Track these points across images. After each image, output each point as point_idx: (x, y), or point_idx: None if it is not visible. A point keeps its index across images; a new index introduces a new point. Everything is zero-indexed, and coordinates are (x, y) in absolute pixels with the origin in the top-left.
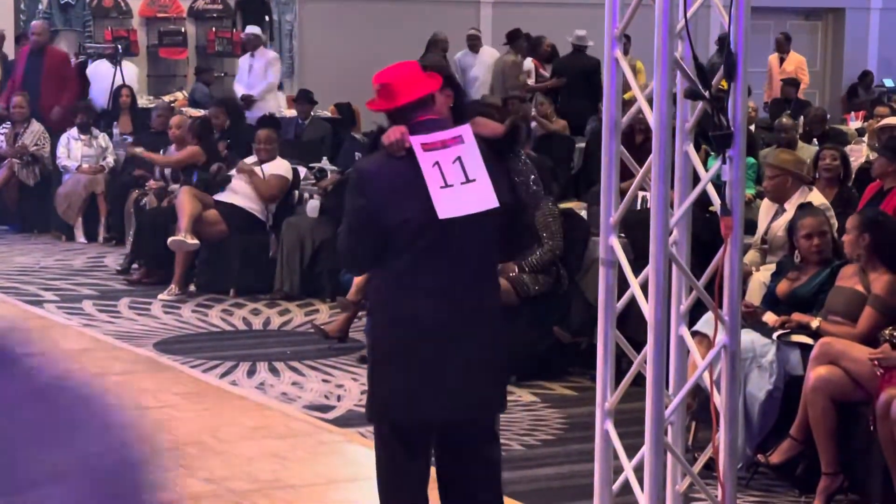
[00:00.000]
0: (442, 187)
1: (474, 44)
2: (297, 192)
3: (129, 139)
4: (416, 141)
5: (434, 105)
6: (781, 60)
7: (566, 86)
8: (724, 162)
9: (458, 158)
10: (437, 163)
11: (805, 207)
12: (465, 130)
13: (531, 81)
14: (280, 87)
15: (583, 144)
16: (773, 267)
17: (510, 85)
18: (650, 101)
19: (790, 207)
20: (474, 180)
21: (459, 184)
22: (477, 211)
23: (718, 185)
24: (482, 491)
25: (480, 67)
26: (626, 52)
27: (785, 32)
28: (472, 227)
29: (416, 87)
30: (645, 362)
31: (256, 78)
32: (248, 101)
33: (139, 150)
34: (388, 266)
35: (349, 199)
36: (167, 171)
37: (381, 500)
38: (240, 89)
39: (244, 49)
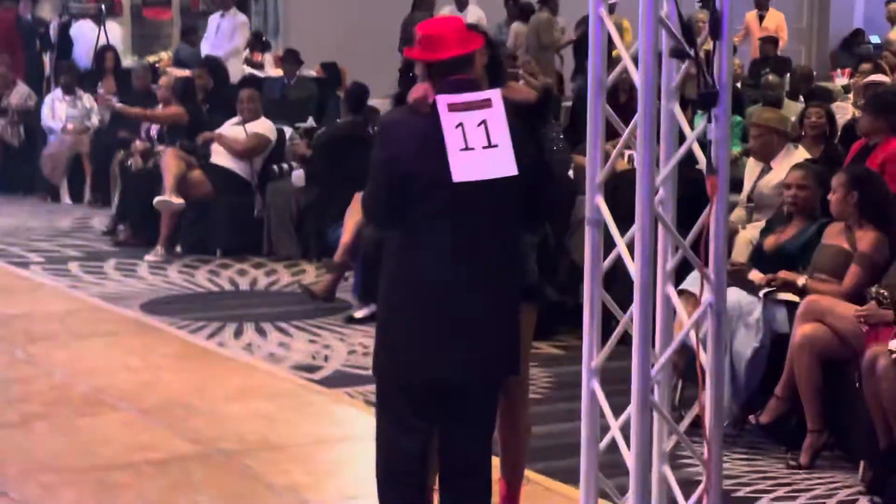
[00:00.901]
0: (462, 150)
1: (461, 1)
2: (275, 167)
3: (114, 100)
4: (442, 100)
5: (473, 65)
6: (761, 18)
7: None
8: (709, 121)
9: (484, 122)
10: (460, 124)
11: (800, 164)
12: (495, 94)
13: (566, 39)
14: (267, 46)
15: (569, 103)
16: (759, 225)
17: (545, 43)
18: (635, 61)
19: (776, 166)
20: (496, 146)
21: (481, 147)
22: (493, 177)
23: (704, 143)
24: (475, 451)
25: None
26: (611, 11)
27: None
28: (488, 192)
29: (460, 43)
30: (631, 321)
31: (223, 39)
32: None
33: (119, 105)
34: (401, 223)
35: (374, 151)
36: (153, 132)
37: (378, 458)
38: (205, 48)
39: (216, 7)
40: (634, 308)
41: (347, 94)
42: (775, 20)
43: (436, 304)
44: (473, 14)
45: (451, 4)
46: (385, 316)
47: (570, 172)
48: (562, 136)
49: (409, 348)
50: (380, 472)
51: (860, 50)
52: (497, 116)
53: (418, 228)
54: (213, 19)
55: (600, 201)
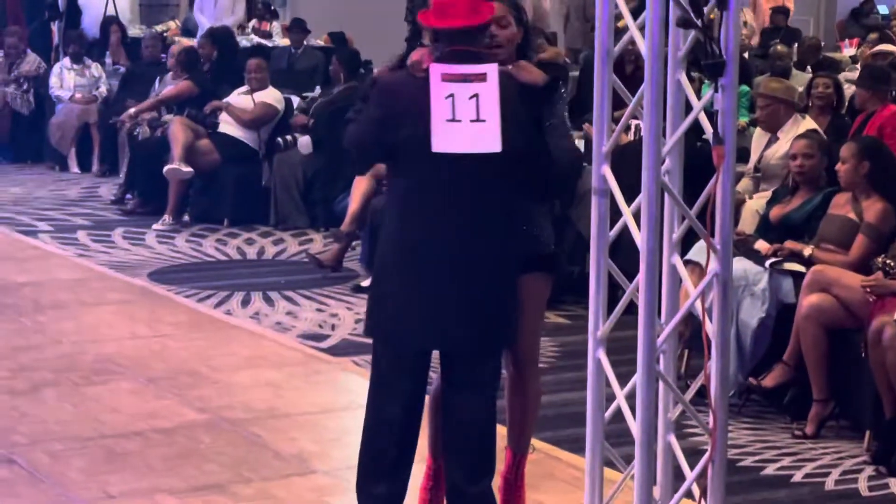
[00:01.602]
0: (448, 120)
1: None
2: (280, 140)
3: (122, 69)
4: (436, 69)
5: (480, 36)
6: None
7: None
8: (716, 91)
9: (476, 95)
10: (451, 95)
11: (804, 133)
12: (492, 69)
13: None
14: (275, 15)
15: (577, 73)
16: (766, 195)
17: (591, 14)
18: (642, 30)
19: (783, 136)
20: (484, 121)
21: (469, 121)
22: (473, 151)
23: (711, 113)
24: (472, 416)
25: None
26: None
27: None
28: (473, 166)
29: (469, 14)
30: (637, 291)
31: (223, 11)
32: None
33: (132, 109)
34: (393, 187)
35: (367, 105)
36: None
37: (366, 414)
38: (203, 20)
39: None
40: (640, 278)
41: (340, 61)
42: None
43: (424, 270)
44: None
45: None
46: (377, 278)
47: (576, 148)
48: (566, 115)
49: (398, 312)
50: (363, 436)
51: (868, 20)
52: (490, 91)
53: (408, 193)
54: None
55: (607, 171)
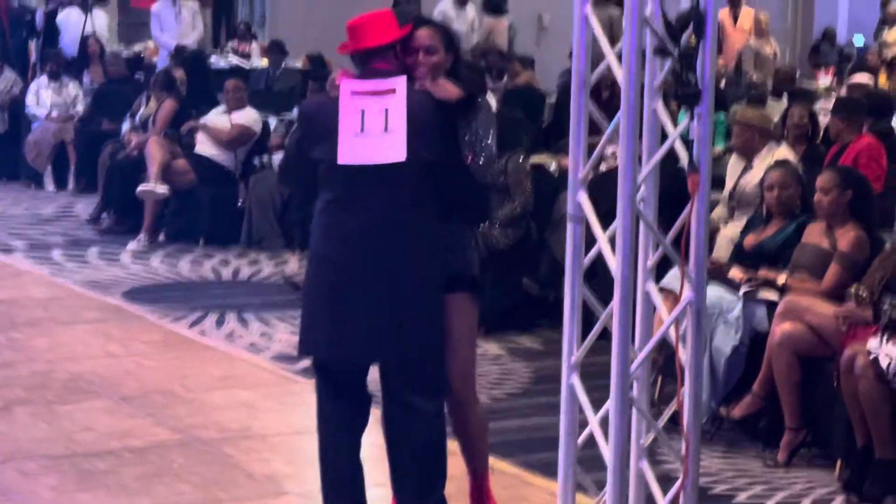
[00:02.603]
0: (356, 134)
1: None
2: (257, 160)
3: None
4: (346, 86)
5: (392, 55)
6: (735, 17)
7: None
8: (692, 119)
9: (386, 109)
10: (361, 110)
11: (777, 163)
12: (400, 83)
13: None
14: (254, 36)
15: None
16: (740, 223)
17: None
18: (619, 58)
19: (758, 164)
20: (391, 132)
21: (377, 133)
22: (378, 162)
23: (687, 140)
24: (415, 441)
25: (463, 23)
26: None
27: None
28: (384, 177)
29: (378, 34)
30: (611, 317)
31: (186, 27)
32: (184, 51)
33: (133, 141)
34: (319, 203)
35: (292, 131)
36: (150, 123)
37: (318, 436)
38: (166, 40)
39: None
40: (615, 304)
41: (314, 87)
42: (750, 17)
43: (341, 287)
44: (470, 13)
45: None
46: (304, 295)
47: (490, 163)
48: (483, 136)
49: (319, 328)
50: (318, 457)
51: (833, 52)
52: (399, 104)
53: (326, 209)
54: (166, 7)
55: (583, 197)
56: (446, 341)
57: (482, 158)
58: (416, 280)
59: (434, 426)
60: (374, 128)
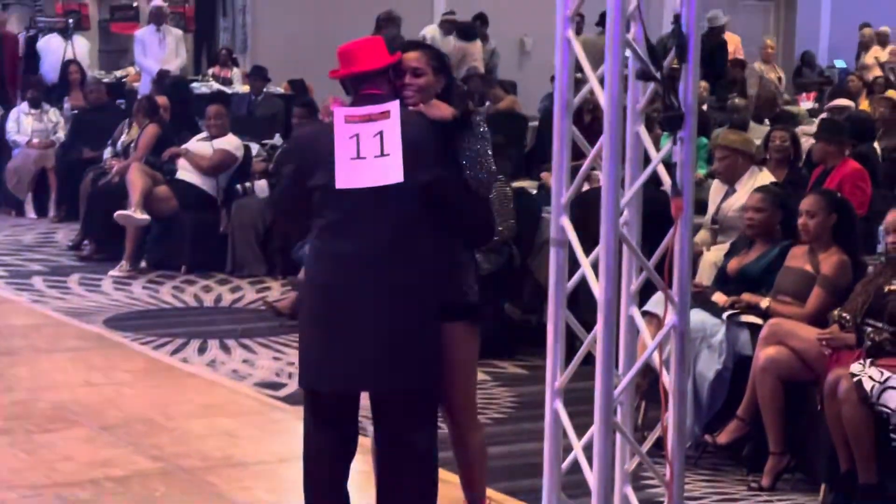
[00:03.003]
0: (353, 159)
1: (448, 28)
2: (239, 187)
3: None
4: (339, 112)
5: (384, 80)
6: None
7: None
8: (674, 143)
9: (380, 133)
10: (356, 135)
11: (758, 188)
12: (394, 106)
13: None
14: (236, 62)
15: (536, 123)
16: (723, 247)
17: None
18: (601, 82)
19: (740, 188)
20: (388, 155)
21: (373, 157)
22: (376, 185)
23: (670, 164)
24: (407, 473)
25: (447, 49)
26: (578, 32)
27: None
28: (380, 200)
29: (370, 59)
30: (595, 342)
31: (169, 53)
32: (166, 76)
33: (115, 167)
34: (313, 232)
35: (284, 160)
36: (132, 149)
37: (303, 462)
38: (149, 65)
39: (150, 21)
40: (598, 329)
41: (300, 113)
42: (733, 43)
43: (341, 315)
44: (451, 40)
45: (432, 24)
46: (300, 323)
47: (490, 179)
48: (481, 152)
49: (316, 356)
50: (303, 485)
51: (814, 75)
52: (393, 127)
53: (326, 237)
54: (150, 33)
55: (565, 221)
56: (446, 371)
57: (483, 174)
58: (414, 309)
59: (427, 459)
60: (369, 152)
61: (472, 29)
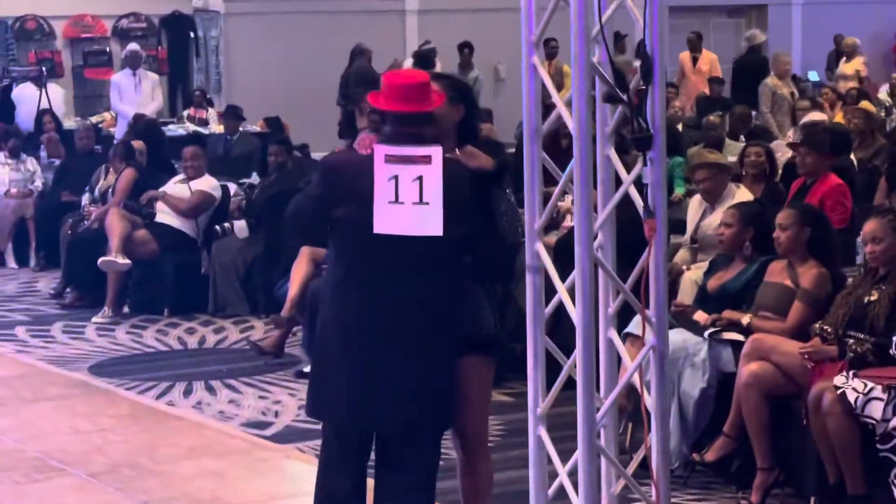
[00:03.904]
0: (390, 202)
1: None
2: (218, 228)
3: (56, 163)
4: (380, 150)
5: (428, 123)
6: (695, 60)
7: (738, 84)
8: (644, 164)
9: (420, 178)
10: (395, 177)
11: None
12: (436, 152)
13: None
14: (210, 102)
15: (513, 150)
16: (703, 265)
17: None
18: (570, 107)
19: (718, 206)
20: (427, 203)
21: (411, 203)
22: (416, 234)
23: (642, 186)
24: (407, 500)
25: None
26: (552, 57)
27: (696, 31)
28: (413, 247)
29: (420, 100)
30: (575, 366)
31: (145, 97)
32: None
33: (94, 214)
34: (332, 264)
35: (312, 184)
36: (109, 194)
37: (315, 493)
38: (125, 109)
39: (125, 65)
40: (577, 353)
41: (276, 150)
42: (709, 60)
43: (361, 350)
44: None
45: (408, 59)
46: (318, 357)
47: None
48: (512, 201)
49: (339, 393)
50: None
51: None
52: (434, 174)
53: (346, 271)
54: (126, 78)
55: (540, 248)
56: (464, 406)
57: (516, 222)
58: (441, 347)
59: (431, 493)
60: (408, 197)
61: (429, 58)
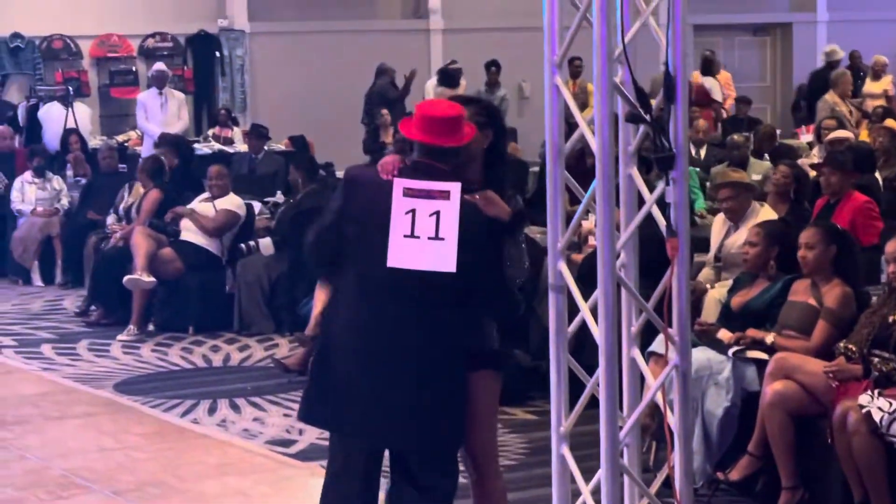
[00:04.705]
0: (406, 236)
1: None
2: (243, 246)
3: (83, 181)
4: (399, 183)
5: (454, 157)
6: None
7: (813, 96)
8: (667, 184)
9: (437, 213)
10: (412, 210)
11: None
12: (455, 188)
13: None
14: (235, 121)
15: (536, 168)
16: (727, 284)
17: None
18: (592, 126)
19: (742, 224)
20: (443, 239)
21: (426, 238)
22: (429, 269)
23: (665, 205)
24: None
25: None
26: (577, 75)
27: (711, 50)
28: (419, 279)
29: (449, 134)
30: (598, 385)
31: (171, 117)
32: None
33: (119, 234)
34: (337, 285)
35: (334, 197)
36: (120, 210)
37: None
38: (151, 128)
39: (151, 84)
40: (600, 372)
41: (297, 167)
42: (723, 79)
43: (360, 366)
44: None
45: (433, 78)
46: (317, 366)
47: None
48: (523, 247)
49: (345, 409)
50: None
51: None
52: (451, 211)
53: (352, 289)
54: (153, 97)
55: (563, 267)
56: (472, 421)
57: (521, 268)
58: (447, 364)
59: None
60: (424, 232)
61: (455, 76)
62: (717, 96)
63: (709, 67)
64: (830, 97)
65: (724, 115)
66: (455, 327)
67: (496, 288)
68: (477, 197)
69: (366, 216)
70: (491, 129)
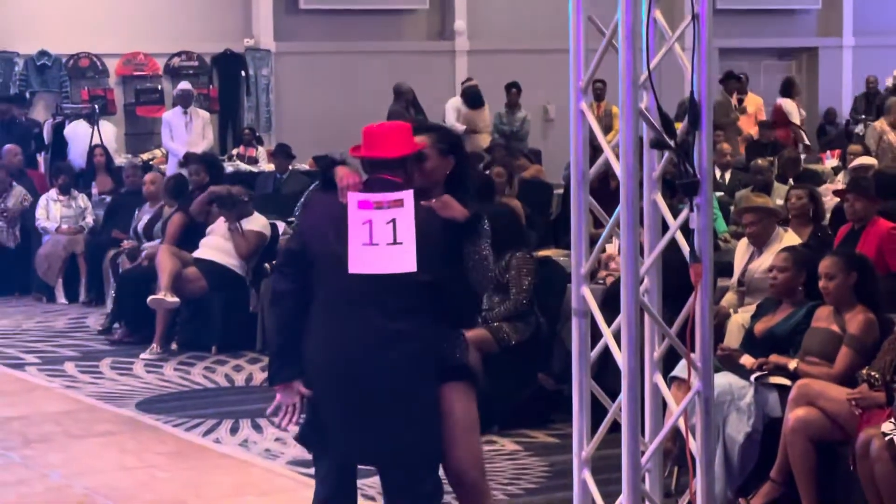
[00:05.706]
0: (364, 244)
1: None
2: (267, 266)
3: (108, 199)
4: (353, 198)
5: (403, 167)
6: (739, 101)
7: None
8: (691, 210)
9: (393, 220)
10: (368, 221)
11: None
12: (408, 195)
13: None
14: (259, 141)
15: (560, 191)
16: (751, 309)
17: (719, 122)
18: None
19: (766, 249)
20: (401, 243)
21: (385, 244)
22: (391, 272)
23: (689, 231)
24: None
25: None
26: (601, 98)
27: (744, 73)
28: (390, 283)
29: (392, 146)
30: (620, 410)
31: (196, 136)
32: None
33: (145, 252)
34: (312, 302)
35: (296, 220)
36: (140, 229)
37: None
38: (176, 148)
39: (177, 103)
40: (622, 397)
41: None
42: (755, 104)
43: (327, 388)
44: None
45: (444, 95)
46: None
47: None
48: (485, 254)
49: (323, 426)
50: None
51: (836, 131)
52: (407, 216)
53: (321, 307)
54: (177, 116)
55: (586, 292)
56: (453, 431)
57: (487, 271)
58: (415, 378)
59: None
60: (382, 239)
61: (478, 97)
62: (795, 118)
63: (788, 89)
64: (880, 124)
65: (805, 137)
66: (425, 340)
67: (456, 288)
68: (433, 202)
69: (327, 233)
70: (453, 155)
